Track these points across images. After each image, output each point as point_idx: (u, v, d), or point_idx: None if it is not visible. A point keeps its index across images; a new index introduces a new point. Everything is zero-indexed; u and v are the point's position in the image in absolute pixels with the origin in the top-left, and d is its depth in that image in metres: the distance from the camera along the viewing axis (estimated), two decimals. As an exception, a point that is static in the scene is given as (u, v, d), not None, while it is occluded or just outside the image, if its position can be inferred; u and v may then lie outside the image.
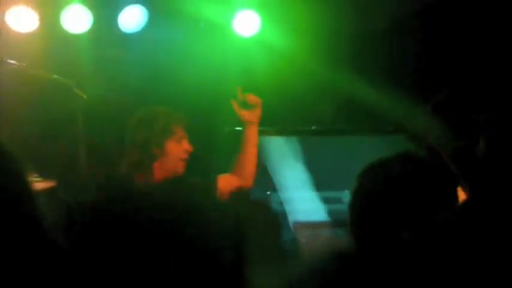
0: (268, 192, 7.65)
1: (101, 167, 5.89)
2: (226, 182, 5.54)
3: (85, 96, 6.01)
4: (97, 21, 7.21)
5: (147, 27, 7.44)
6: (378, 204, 2.43)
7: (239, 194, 5.57)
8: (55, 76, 6.12)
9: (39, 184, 5.81)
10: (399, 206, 2.38)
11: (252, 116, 5.68)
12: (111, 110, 6.96)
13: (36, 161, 6.51)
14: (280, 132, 7.73)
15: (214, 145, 7.02)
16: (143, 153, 5.24)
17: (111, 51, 7.32)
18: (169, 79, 7.39)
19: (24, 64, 6.23)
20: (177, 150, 5.26)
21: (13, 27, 6.99)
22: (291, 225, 7.35)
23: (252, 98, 5.71)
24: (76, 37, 7.19)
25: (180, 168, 5.25)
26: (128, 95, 7.16)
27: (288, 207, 7.41)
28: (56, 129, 6.96)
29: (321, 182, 7.55)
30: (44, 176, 5.84)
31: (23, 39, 6.98)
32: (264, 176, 7.28)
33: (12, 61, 6.14)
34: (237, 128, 6.18)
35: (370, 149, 6.63)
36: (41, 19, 7.06)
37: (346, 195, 7.25)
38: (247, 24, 7.29)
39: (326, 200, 7.50)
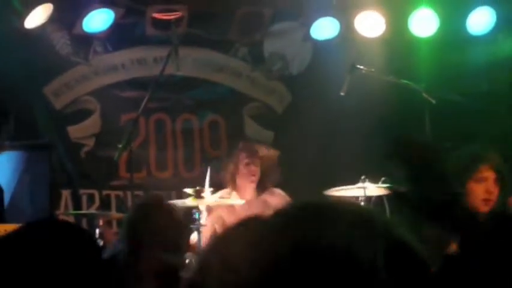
0: None
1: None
2: None
3: (433, 101, 5.94)
4: (444, 25, 7.10)
5: (495, 30, 7.19)
6: None
7: None
8: (404, 81, 6.14)
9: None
10: None
11: None
12: (458, 115, 6.81)
13: (383, 163, 6.60)
14: None
15: None
16: None
17: (458, 55, 7.16)
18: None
19: (373, 69, 6.31)
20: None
21: (361, 33, 7.11)
22: None
23: None
24: (423, 41, 7.14)
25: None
26: (474, 101, 6.95)
27: None
28: (405, 133, 6.95)
29: None
30: (392, 178, 5.87)
31: (371, 44, 7.08)
32: None
33: (361, 66, 6.26)
34: None
35: None
36: (388, 23, 7.10)
37: None
38: None
39: None
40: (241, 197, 6.06)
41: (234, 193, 6.12)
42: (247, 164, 6.10)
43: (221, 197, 5.96)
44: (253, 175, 6.10)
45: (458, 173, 4.62)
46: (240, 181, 6.12)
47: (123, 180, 6.93)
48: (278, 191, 6.18)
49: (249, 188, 6.12)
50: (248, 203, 6.01)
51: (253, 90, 7.47)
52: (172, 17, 6.74)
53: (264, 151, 6.21)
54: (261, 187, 6.14)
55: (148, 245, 3.61)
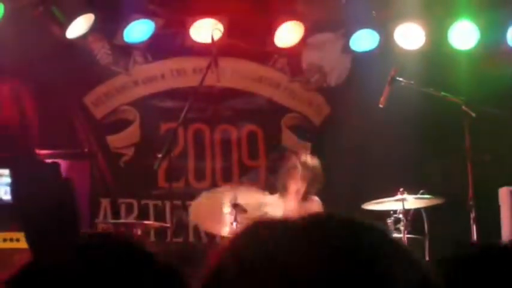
0: None
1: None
2: None
3: (473, 114, 5.89)
4: (484, 37, 7.06)
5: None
6: None
7: None
8: (444, 93, 6.10)
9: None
10: None
11: None
12: (498, 128, 6.75)
13: (422, 176, 6.58)
14: None
15: None
16: None
17: (498, 68, 7.11)
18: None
19: (412, 82, 6.28)
20: None
21: (401, 45, 7.09)
22: None
23: None
24: (463, 53, 7.10)
25: None
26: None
27: None
28: (443, 146, 6.92)
29: None
30: (430, 190, 5.84)
31: (410, 56, 7.05)
32: None
33: (400, 78, 6.22)
34: None
35: None
36: (428, 36, 7.07)
37: None
38: None
39: None
40: (288, 203, 6.12)
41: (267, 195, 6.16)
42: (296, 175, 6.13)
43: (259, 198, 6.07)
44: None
45: None
46: (291, 188, 6.14)
47: (162, 189, 6.96)
48: (315, 198, 6.22)
49: (295, 197, 6.14)
50: (290, 210, 6.09)
51: (291, 101, 7.48)
52: (211, 27, 6.77)
53: (311, 161, 6.23)
54: (305, 196, 6.17)
55: None
